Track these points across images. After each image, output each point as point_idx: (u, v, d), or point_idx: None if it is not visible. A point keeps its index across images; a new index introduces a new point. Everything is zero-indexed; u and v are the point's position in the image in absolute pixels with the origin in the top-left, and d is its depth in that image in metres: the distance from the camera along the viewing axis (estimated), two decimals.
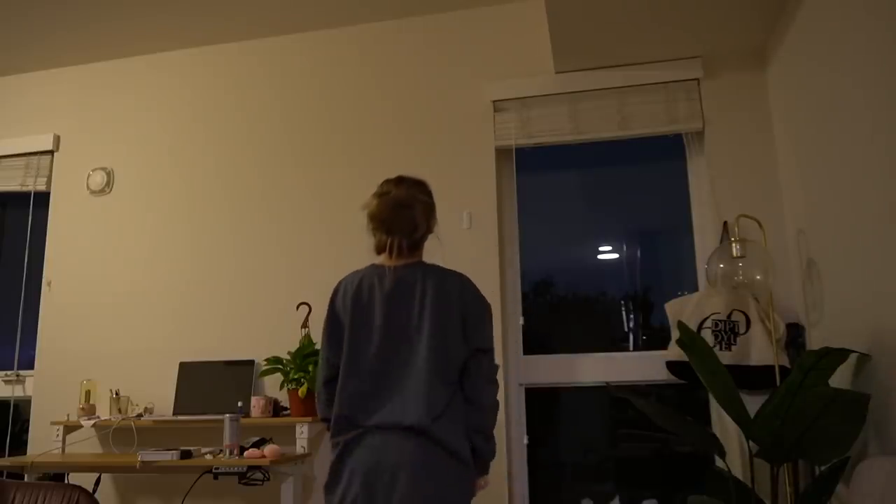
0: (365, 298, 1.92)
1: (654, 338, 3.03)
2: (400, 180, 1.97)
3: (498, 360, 2.12)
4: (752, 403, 2.24)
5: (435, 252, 2.02)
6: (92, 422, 3.06)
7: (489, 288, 2.81)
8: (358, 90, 3.37)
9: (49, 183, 3.68)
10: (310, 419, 2.78)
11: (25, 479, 2.85)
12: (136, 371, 3.32)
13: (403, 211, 1.90)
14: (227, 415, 2.65)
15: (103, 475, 3.19)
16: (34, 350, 3.50)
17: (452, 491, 1.79)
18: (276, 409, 2.96)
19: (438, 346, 1.85)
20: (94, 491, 3.02)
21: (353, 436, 1.82)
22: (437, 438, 1.78)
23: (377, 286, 1.92)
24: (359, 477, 1.77)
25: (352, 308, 1.91)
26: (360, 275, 1.97)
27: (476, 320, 1.92)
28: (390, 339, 1.87)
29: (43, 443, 3.21)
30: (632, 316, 3.11)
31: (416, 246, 1.96)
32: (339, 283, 2.00)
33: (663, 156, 3.12)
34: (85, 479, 3.01)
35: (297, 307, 3.11)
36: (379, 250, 1.95)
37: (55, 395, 3.37)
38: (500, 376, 2.09)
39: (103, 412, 3.17)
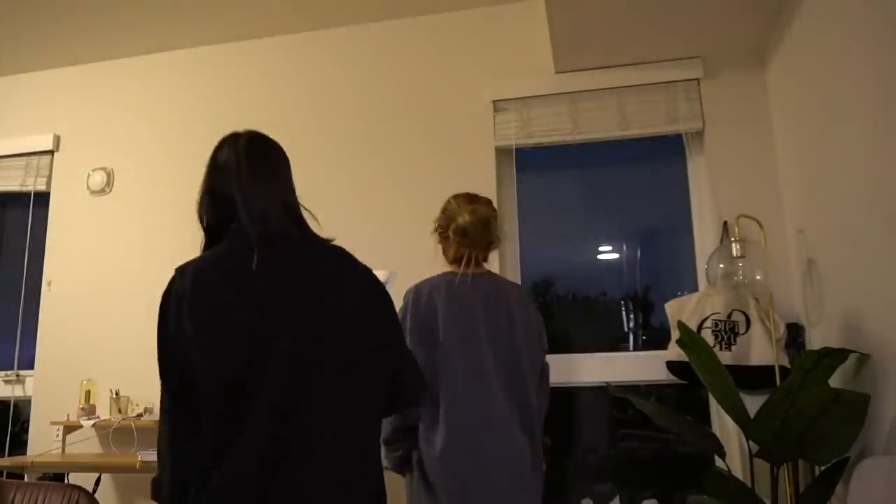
0: (460, 302, 2.01)
1: (654, 338, 3.03)
2: (476, 198, 2.13)
3: None
4: (752, 403, 2.24)
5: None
6: (92, 422, 3.06)
7: None
8: (357, 90, 3.37)
9: (49, 183, 3.68)
10: None
11: (25, 479, 2.85)
12: (136, 371, 3.31)
13: (487, 227, 2.08)
14: None
15: (103, 475, 3.19)
16: (34, 350, 3.50)
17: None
18: None
19: (532, 351, 2.03)
20: (94, 491, 3.02)
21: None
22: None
23: (469, 291, 2.04)
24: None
25: (447, 311, 1.99)
26: (443, 280, 2.05)
27: (540, 324, 2.11)
28: (491, 343, 1.99)
29: (43, 443, 3.21)
30: (632, 316, 3.11)
31: (486, 257, 2.15)
32: (418, 287, 2.06)
33: (663, 156, 3.12)
34: (85, 479, 3.01)
35: None
36: (457, 260, 2.09)
37: (55, 395, 3.37)
38: None
39: (103, 412, 3.17)
